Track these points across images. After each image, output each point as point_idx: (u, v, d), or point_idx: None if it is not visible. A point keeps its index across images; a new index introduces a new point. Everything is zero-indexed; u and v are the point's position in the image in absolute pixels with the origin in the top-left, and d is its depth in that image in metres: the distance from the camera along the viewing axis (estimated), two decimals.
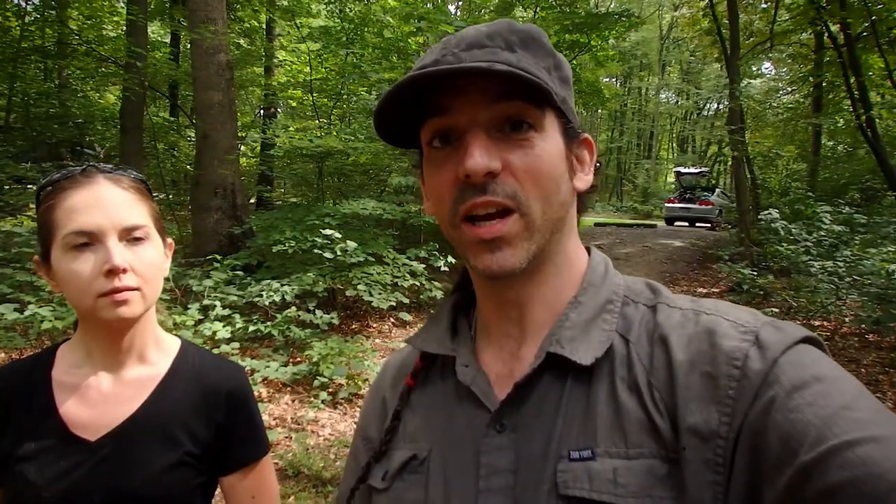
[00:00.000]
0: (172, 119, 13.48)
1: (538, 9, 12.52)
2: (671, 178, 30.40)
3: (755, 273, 8.31)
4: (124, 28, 9.81)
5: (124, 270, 0.90)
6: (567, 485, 0.54)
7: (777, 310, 7.07)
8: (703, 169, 22.85)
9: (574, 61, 12.23)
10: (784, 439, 0.46)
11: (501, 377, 0.64)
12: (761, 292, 7.91)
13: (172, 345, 1.06)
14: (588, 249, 0.70)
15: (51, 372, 0.97)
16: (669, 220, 19.78)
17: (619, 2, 29.62)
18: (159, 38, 15.95)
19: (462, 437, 0.63)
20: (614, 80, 35.48)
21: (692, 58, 31.66)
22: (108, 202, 0.92)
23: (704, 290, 9.04)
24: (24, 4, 10.90)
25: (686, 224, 19.37)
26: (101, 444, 0.93)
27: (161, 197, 10.10)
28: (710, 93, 31.61)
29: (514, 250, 0.59)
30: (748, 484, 0.48)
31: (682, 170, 21.83)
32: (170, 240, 1.05)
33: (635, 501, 0.51)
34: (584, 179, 0.67)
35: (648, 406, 0.55)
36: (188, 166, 11.19)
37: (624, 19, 12.01)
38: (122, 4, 11.18)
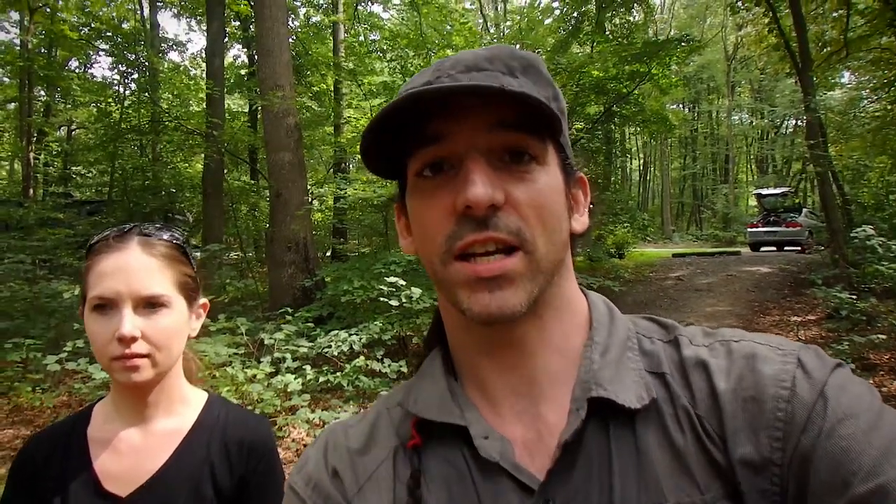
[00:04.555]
0: (252, 181, 14.42)
1: (594, 43, 12.53)
2: (752, 202, 28.83)
3: (854, 297, 7.61)
4: (206, 103, 10.73)
5: (133, 339, 0.93)
6: None
7: (884, 336, 6.41)
8: (786, 189, 21.52)
9: (636, 91, 12.07)
10: (834, 467, 0.45)
11: (528, 443, 0.56)
12: (863, 317, 7.21)
13: (199, 398, 1.09)
14: (583, 291, 0.65)
15: (87, 429, 1.02)
16: (754, 246, 18.64)
17: (679, 28, 29.18)
18: (239, 108, 17.26)
19: None
20: (681, 105, 34.59)
21: (763, 75, 30.38)
22: (131, 270, 0.96)
23: (799, 318, 8.37)
24: (122, 91, 12.20)
25: (773, 248, 18.19)
26: (132, 499, 0.96)
27: (238, 256, 10.71)
28: (787, 109, 30.07)
29: (515, 290, 0.52)
30: None
31: (764, 191, 20.63)
32: (204, 300, 1.10)
33: None
34: (581, 221, 0.62)
35: (705, 441, 0.51)
36: (267, 225, 11.88)
37: (684, 44, 11.77)
38: (204, 82, 12.25)
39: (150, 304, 0.96)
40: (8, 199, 12.20)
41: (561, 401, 0.56)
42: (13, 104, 17.18)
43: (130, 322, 0.93)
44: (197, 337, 1.10)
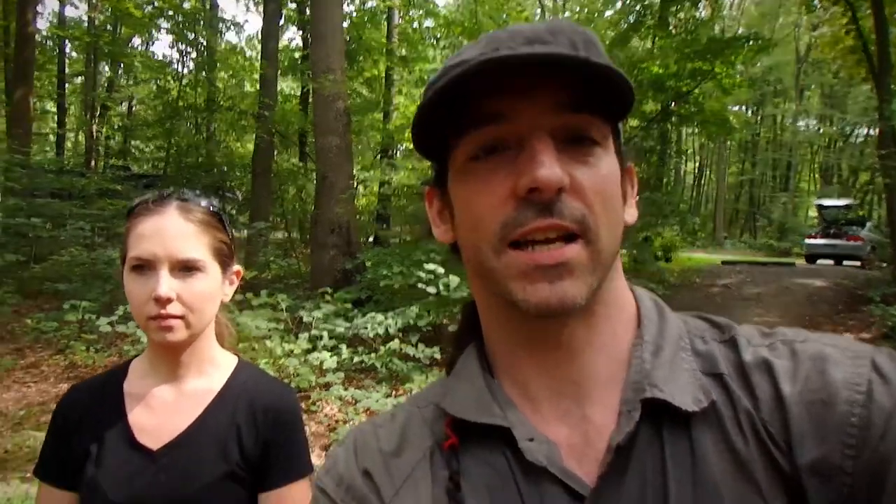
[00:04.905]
0: (301, 164, 14.67)
1: (655, 38, 12.13)
2: (812, 213, 27.55)
3: None
4: (259, 84, 10.94)
5: (169, 300, 0.96)
6: None
7: None
8: (851, 201, 20.47)
9: (697, 90, 11.62)
10: None
11: (574, 447, 0.52)
12: None
13: (229, 362, 1.11)
14: (629, 287, 0.61)
15: (123, 383, 1.06)
16: (810, 258, 17.88)
17: (749, 25, 27.96)
18: (291, 91, 17.56)
19: None
20: (744, 108, 33.25)
21: (835, 80, 28.84)
22: (168, 234, 0.98)
23: (853, 336, 7.93)
24: (181, 69, 12.59)
25: (831, 262, 17.39)
26: (162, 452, 0.99)
27: (283, 235, 10.93)
28: (859, 117, 28.49)
29: (575, 282, 0.48)
30: None
31: (826, 202, 19.71)
32: (238, 267, 1.12)
33: None
34: (631, 212, 0.57)
35: (769, 447, 0.47)
36: (312, 207, 12.06)
37: (752, 43, 11.24)
38: (258, 63, 12.50)
39: (185, 268, 0.98)
40: (72, 170, 12.78)
41: (609, 402, 0.52)
42: (80, 78, 18.00)
43: (167, 283, 0.96)
44: (240, 310, 1.13)
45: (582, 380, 0.53)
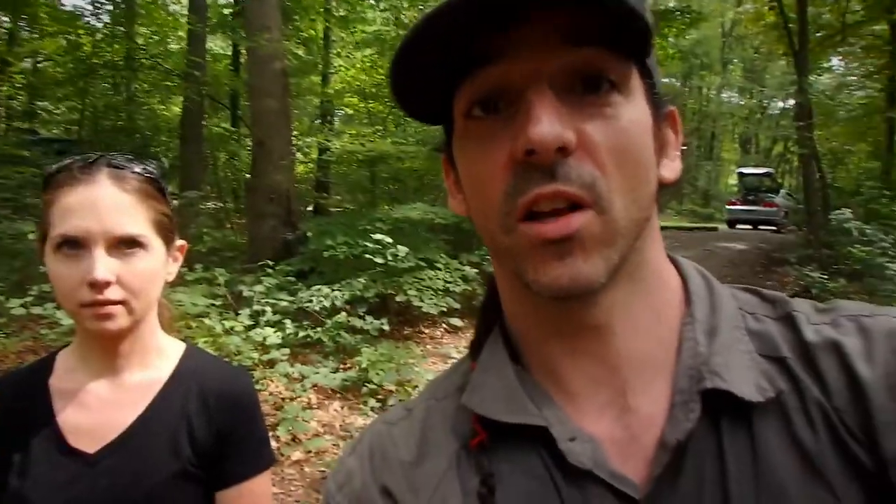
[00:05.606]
0: (233, 129, 13.95)
1: None
2: (733, 181, 29.16)
3: (825, 277, 7.78)
4: (186, 42, 10.23)
5: (107, 283, 0.84)
6: None
7: None
8: (768, 169, 21.88)
9: None
10: None
11: (619, 443, 0.46)
12: (831, 297, 7.40)
13: (176, 349, 1.01)
14: (670, 257, 0.55)
15: (49, 379, 0.93)
16: (731, 223, 19.13)
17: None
18: (221, 51, 16.55)
19: None
20: (673, 79, 34.39)
21: (756, 55, 30.28)
22: (102, 206, 0.85)
23: None
24: (95, 24, 11.54)
25: (749, 227, 18.60)
26: (101, 456, 0.88)
27: (216, 205, 10.43)
28: (775, 91, 30.16)
29: (588, 257, 0.42)
30: None
31: (745, 170, 21.00)
32: (181, 242, 1.00)
33: None
34: (672, 167, 0.50)
35: (846, 440, 0.42)
36: (247, 174, 11.55)
37: (684, 17, 11.57)
38: (185, 19, 11.65)
39: (124, 245, 0.86)
40: None
41: (657, 391, 0.47)
42: None
43: (104, 265, 0.83)
44: (172, 285, 1.00)
45: (622, 365, 0.47)
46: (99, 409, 0.91)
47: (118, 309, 0.86)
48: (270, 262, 5.88)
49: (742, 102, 36.31)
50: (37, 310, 4.46)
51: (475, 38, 0.41)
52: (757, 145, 36.33)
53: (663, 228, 0.55)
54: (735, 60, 35.43)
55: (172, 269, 0.97)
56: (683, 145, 0.53)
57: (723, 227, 19.20)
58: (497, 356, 0.52)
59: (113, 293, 0.84)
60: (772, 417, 0.44)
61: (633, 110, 0.44)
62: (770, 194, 18.75)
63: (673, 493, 0.43)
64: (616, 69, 0.43)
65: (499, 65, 0.42)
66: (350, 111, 12.58)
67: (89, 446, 0.88)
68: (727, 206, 20.05)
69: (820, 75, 18.05)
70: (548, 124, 0.40)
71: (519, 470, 0.47)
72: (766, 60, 29.50)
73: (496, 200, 0.44)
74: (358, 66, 10.48)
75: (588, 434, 0.46)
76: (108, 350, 0.92)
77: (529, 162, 0.41)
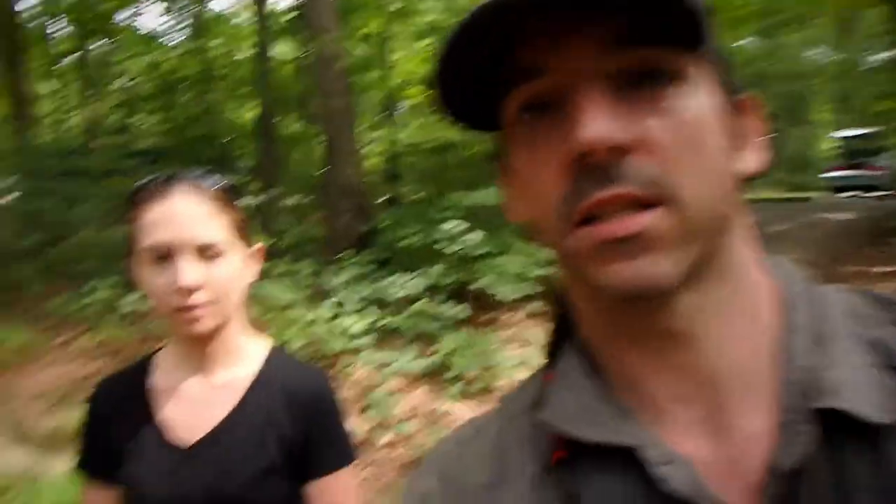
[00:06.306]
0: (305, 128, 14.39)
1: None
2: (828, 145, 27.07)
3: None
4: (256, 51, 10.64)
5: (194, 289, 0.91)
6: None
7: None
8: (871, 130, 20.14)
9: None
10: None
11: (716, 466, 0.41)
12: None
13: (260, 349, 1.07)
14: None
15: (149, 378, 1.02)
16: (835, 190, 17.98)
17: None
18: (285, 56, 17.12)
19: None
20: (749, 42, 32.23)
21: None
22: (181, 218, 0.92)
23: (879, 270, 7.78)
24: (172, 42, 12.26)
25: (851, 194, 17.28)
26: (197, 449, 0.96)
27: (294, 203, 10.89)
28: (872, 43, 27.57)
29: (658, 255, 0.38)
30: None
31: (846, 133, 19.58)
32: (259, 244, 1.07)
33: None
34: (752, 159, 0.46)
35: None
36: (321, 172, 11.89)
37: None
38: (250, 30, 12.09)
39: (205, 252, 0.94)
40: (75, 150, 12.61)
41: (758, 407, 0.41)
42: (70, 58, 17.51)
43: (190, 271, 0.91)
44: (260, 280, 1.07)
45: (713, 378, 0.42)
46: (192, 405, 0.99)
47: (206, 311, 0.93)
48: (349, 254, 6.03)
49: (834, 59, 33.47)
50: (144, 307, 4.85)
51: (525, 51, 0.40)
52: (854, 104, 33.39)
53: (753, 200, 0.47)
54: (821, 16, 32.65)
55: (253, 270, 1.04)
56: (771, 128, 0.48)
57: (817, 195, 18.00)
58: (574, 368, 0.47)
59: (200, 297, 0.92)
60: None
61: (695, 101, 0.40)
62: (874, 157, 17.44)
63: None
64: (672, 61, 0.40)
65: (549, 71, 0.40)
66: (413, 102, 12.67)
67: (184, 441, 0.96)
68: (827, 174, 18.82)
69: None
70: (598, 124, 0.37)
71: (602, 492, 0.42)
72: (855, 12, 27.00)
73: (553, 206, 0.41)
74: (417, 57, 10.48)
75: (681, 456, 0.41)
76: (198, 351, 1.00)
77: (584, 165, 0.39)
